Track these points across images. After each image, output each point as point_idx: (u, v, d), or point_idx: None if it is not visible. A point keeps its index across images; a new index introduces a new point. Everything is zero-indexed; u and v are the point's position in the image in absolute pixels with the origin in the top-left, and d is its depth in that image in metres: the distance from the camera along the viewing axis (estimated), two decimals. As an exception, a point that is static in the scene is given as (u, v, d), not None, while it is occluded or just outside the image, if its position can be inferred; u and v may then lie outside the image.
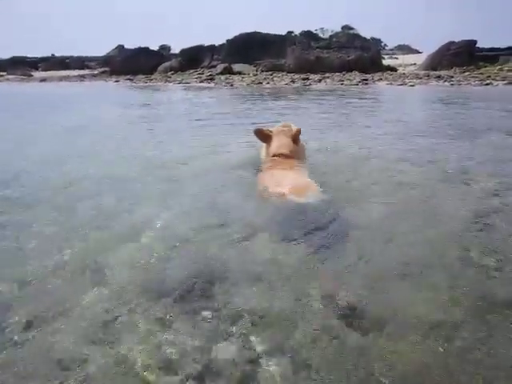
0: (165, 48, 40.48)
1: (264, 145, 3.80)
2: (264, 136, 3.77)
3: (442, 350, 1.56)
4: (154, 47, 36.81)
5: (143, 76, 28.69)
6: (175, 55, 34.22)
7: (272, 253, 2.27)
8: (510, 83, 17.69)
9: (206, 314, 1.78)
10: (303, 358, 1.53)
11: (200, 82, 23.67)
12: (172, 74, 29.08)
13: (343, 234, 2.48)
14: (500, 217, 2.72)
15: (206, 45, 32.52)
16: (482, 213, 2.77)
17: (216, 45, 32.03)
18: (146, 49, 33.86)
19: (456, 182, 3.51)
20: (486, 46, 29.09)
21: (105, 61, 39.24)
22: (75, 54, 53.00)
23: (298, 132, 3.70)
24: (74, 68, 43.11)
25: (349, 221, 2.66)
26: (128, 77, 28.71)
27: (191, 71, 28.88)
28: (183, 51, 32.79)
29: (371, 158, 4.38)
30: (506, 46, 27.90)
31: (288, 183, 2.91)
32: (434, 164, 4.10)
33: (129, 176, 3.78)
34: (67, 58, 50.14)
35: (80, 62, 46.97)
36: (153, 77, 28.46)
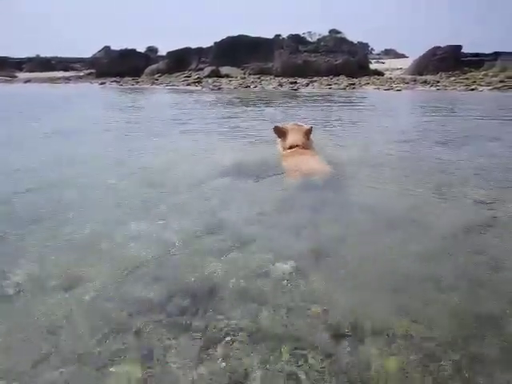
0: (152, 50, 40.20)
1: (279, 140, 4.46)
2: (280, 132, 4.44)
3: (432, 368, 1.52)
4: (141, 49, 36.62)
5: (130, 78, 28.44)
6: (162, 57, 34.02)
7: (261, 265, 2.21)
8: (494, 89, 18.04)
9: (191, 334, 1.71)
10: (292, 375, 1.48)
11: (187, 84, 23.57)
12: (159, 76, 28.90)
13: (334, 245, 2.44)
14: (490, 228, 2.72)
15: (193, 47, 32.44)
16: (472, 224, 2.76)
17: (203, 47, 31.96)
18: (133, 50, 33.62)
19: (444, 191, 3.50)
20: (470, 51, 29.57)
21: (91, 62, 38.82)
22: (60, 54, 52.27)
23: (310, 129, 4.40)
24: (59, 69, 42.50)
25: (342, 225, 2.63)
26: (114, 79, 28.43)
27: (178, 74, 28.74)
28: (170, 53, 32.64)
29: (359, 164, 4.36)
30: (491, 52, 28.42)
31: (309, 165, 3.76)
32: (422, 173, 4.11)
33: (110, 183, 3.68)
34: (52, 58, 49.42)
35: (65, 64, 46.33)
36: (140, 79, 28.24)
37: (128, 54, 32.83)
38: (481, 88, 18.48)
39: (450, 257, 2.32)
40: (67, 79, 31.66)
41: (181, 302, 1.90)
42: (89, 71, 35.62)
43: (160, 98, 15.75)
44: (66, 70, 42.72)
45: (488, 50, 28.90)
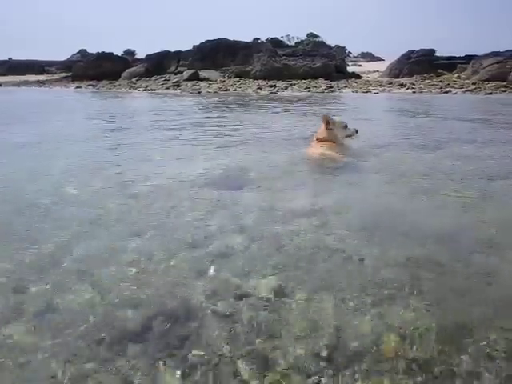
0: (130, 53, 39.67)
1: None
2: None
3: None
4: (119, 52, 36.04)
5: (107, 82, 27.90)
6: (140, 60, 33.54)
7: (242, 283, 2.15)
8: (467, 91, 18.55)
9: (168, 362, 1.63)
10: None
11: (166, 88, 23.28)
12: (137, 80, 28.44)
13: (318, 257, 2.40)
14: (469, 232, 2.74)
15: (172, 50, 32.12)
16: (450, 229, 2.77)
17: (182, 50, 31.69)
18: (110, 54, 33.00)
19: (423, 195, 3.53)
20: (444, 55, 30.36)
21: (66, 65, 37.92)
22: (34, 57, 50.84)
23: (326, 123, 5.03)
24: (33, 73, 41.31)
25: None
26: (91, 82, 27.84)
27: (157, 77, 28.36)
28: (149, 57, 32.20)
29: (341, 170, 4.36)
30: (463, 55, 29.25)
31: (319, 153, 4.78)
32: (401, 177, 4.14)
33: (83, 196, 3.55)
34: (25, 61, 48.02)
35: (39, 67, 45.08)
36: (117, 83, 27.72)
37: (105, 57, 32.18)
38: (454, 90, 18.97)
39: (431, 264, 2.32)
40: (41, 83, 30.82)
41: (158, 326, 1.82)
42: (64, 74, 34.77)
43: (138, 103, 15.51)
44: (40, 73, 41.55)
45: (460, 54, 29.75)
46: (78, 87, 26.25)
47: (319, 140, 5.02)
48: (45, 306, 1.95)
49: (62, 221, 2.99)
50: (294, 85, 23.06)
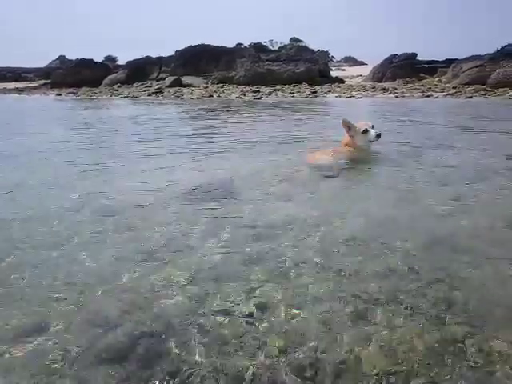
0: (110, 59, 39.31)
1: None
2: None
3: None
4: (99, 59, 35.67)
5: (88, 89, 27.56)
6: (122, 67, 33.28)
7: (223, 301, 2.14)
8: (448, 95, 18.96)
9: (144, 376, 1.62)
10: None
11: (148, 95, 23.12)
12: (119, 86, 28.19)
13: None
14: (451, 240, 2.79)
15: (153, 56, 31.98)
16: (432, 237, 2.82)
17: (164, 56, 31.58)
18: (90, 60, 32.65)
19: (406, 203, 3.59)
20: (425, 59, 31.03)
21: (45, 72, 37.33)
22: (13, 65, 49.85)
23: (347, 128, 5.26)
24: (11, 80, 40.54)
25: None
26: (71, 90, 27.45)
27: (139, 84, 28.18)
28: (130, 63, 31.98)
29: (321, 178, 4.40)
30: (443, 59, 29.95)
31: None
32: (384, 184, 4.20)
33: (56, 212, 3.49)
34: (2, 69, 47.11)
35: (17, 74, 44.28)
36: (98, 90, 27.42)
37: (85, 64, 31.81)
38: (436, 94, 19.37)
39: (411, 275, 2.36)
40: (20, 90, 30.26)
41: (135, 342, 1.81)
42: (43, 82, 34.23)
43: (120, 111, 15.36)
44: (17, 80, 40.79)
45: (440, 58, 30.47)
46: (58, 94, 25.86)
47: (344, 145, 5.24)
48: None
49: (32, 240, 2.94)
50: (278, 90, 23.20)
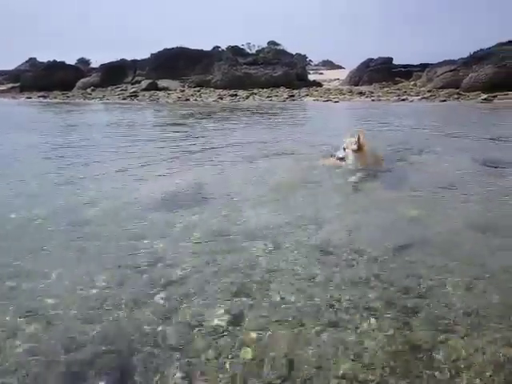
0: (83, 62, 38.60)
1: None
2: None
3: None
4: (71, 61, 34.95)
5: (59, 92, 26.95)
6: (95, 70, 32.73)
7: (195, 315, 2.10)
8: (423, 98, 19.46)
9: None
10: None
11: (123, 98, 22.82)
12: (92, 90, 27.69)
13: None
14: (421, 246, 2.83)
15: (128, 59, 31.60)
16: (403, 244, 2.85)
17: (139, 59, 31.24)
18: (62, 63, 31.99)
19: (378, 209, 3.63)
20: (401, 63, 31.82)
21: (14, 75, 36.31)
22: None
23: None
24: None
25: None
26: (42, 93, 26.77)
27: (113, 87, 27.76)
28: (104, 66, 31.50)
29: (297, 185, 4.41)
30: (418, 63, 30.78)
31: None
32: (358, 190, 4.24)
33: (29, 221, 3.37)
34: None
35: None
36: (70, 93, 26.86)
37: (56, 67, 31.14)
38: (411, 98, 19.84)
39: (380, 283, 2.37)
40: (-13, 94, 29.32)
41: (106, 354, 1.75)
42: (11, 85, 33.27)
43: (92, 116, 15.06)
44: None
45: (415, 62, 31.31)
46: (28, 98, 25.20)
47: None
48: None
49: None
50: (256, 94, 23.28)
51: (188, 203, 3.83)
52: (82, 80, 29.97)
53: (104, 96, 24.50)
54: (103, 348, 1.85)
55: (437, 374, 1.71)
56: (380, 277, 2.44)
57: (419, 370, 1.73)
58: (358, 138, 4.79)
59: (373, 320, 2.04)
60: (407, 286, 2.34)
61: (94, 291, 2.32)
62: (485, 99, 17.24)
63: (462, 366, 1.74)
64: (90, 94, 26.00)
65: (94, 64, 37.10)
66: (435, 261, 2.62)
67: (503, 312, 2.07)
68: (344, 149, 4.92)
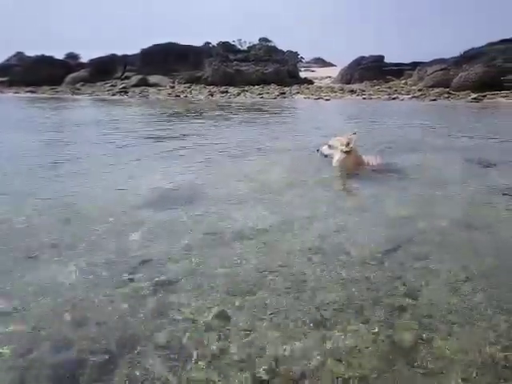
0: (73, 57, 38.02)
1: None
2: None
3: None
4: (60, 56, 34.43)
5: (48, 88, 26.61)
6: (84, 65, 32.34)
7: (184, 312, 2.09)
8: (413, 97, 19.62)
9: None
10: None
11: (113, 94, 22.61)
12: (81, 85, 27.40)
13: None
14: (407, 246, 2.84)
15: (118, 54, 31.30)
16: (389, 244, 2.87)
17: (129, 54, 30.96)
18: (51, 57, 31.56)
19: (365, 209, 3.64)
20: (392, 61, 32.01)
21: (2, 70, 35.70)
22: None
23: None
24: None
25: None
26: (30, 88, 26.39)
27: (103, 83, 27.49)
28: (93, 61, 31.17)
29: (284, 185, 4.41)
30: (409, 62, 31.00)
31: None
32: (346, 190, 4.25)
33: (17, 217, 3.32)
34: None
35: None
36: (59, 89, 26.53)
37: (45, 61, 30.72)
38: (402, 97, 19.99)
39: (367, 284, 2.38)
40: (-27, 89, 28.78)
41: (96, 362, 1.73)
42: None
43: (82, 112, 14.89)
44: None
45: (407, 61, 31.52)
46: (15, 93, 24.83)
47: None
48: None
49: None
50: (247, 91, 23.25)
51: (178, 202, 3.80)
52: (71, 75, 29.64)
53: (93, 92, 24.25)
54: (92, 347, 1.84)
55: (420, 372, 1.72)
56: (368, 277, 2.45)
57: (403, 369, 1.74)
58: (350, 140, 4.77)
59: (359, 320, 2.05)
60: (394, 286, 2.35)
61: (80, 291, 2.30)
62: (474, 99, 17.44)
63: (446, 365, 1.75)
64: (79, 90, 25.73)
65: (84, 59, 36.58)
66: (421, 261, 2.64)
67: (486, 311, 2.10)
68: (330, 146, 4.90)
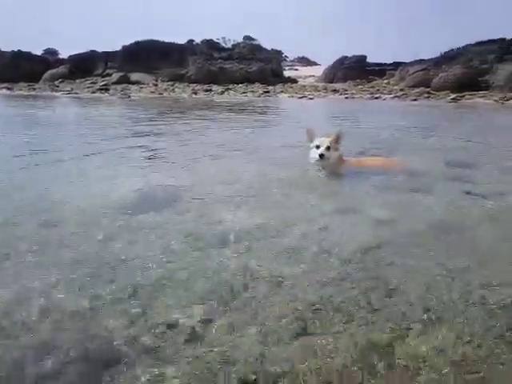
0: (51, 52, 37.31)
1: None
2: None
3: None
4: (38, 52, 33.75)
5: (25, 84, 26.02)
6: (64, 61, 31.76)
7: (164, 317, 2.11)
8: (395, 97, 19.98)
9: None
10: None
11: (93, 92, 22.27)
12: (60, 82, 26.91)
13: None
14: (387, 247, 2.93)
15: (99, 51, 30.86)
16: (369, 244, 2.94)
17: (110, 51, 30.54)
18: (28, 53, 30.88)
19: (346, 210, 3.71)
20: (374, 61, 32.54)
21: (-24, 65, 34.74)
22: None
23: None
24: None
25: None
26: (6, 85, 25.75)
27: (83, 80, 27.05)
28: (73, 57, 30.65)
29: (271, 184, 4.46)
30: (391, 62, 31.59)
31: None
32: (326, 191, 4.32)
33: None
34: None
35: None
36: (37, 85, 25.99)
37: (22, 57, 30.04)
38: (384, 96, 20.32)
39: (348, 284, 2.45)
40: None
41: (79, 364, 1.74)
42: (-26, 75, 31.83)
43: (60, 111, 14.62)
44: None
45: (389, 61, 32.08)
46: (-10, 90, 24.21)
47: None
48: None
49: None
50: (231, 89, 23.25)
51: (157, 204, 3.80)
52: (50, 71, 29.08)
53: (72, 89, 23.83)
54: (71, 356, 1.84)
55: (395, 371, 1.79)
56: (347, 278, 2.52)
57: (379, 367, 1.81)
58: (336, 139, 4.82)
59: (339, 320, 2.12)
60: (373, 286, 2.43)
61: (57, 298, 2.29)
62: (453, 99, 17.89)
63: (420, 363, 1.83)
64: (58, 87, 25.25)
65: (63, 55, 35.90)
66: (399, 261, 2.73)
67: (460, 310, 2.19)
68: (318, 146, 4.94)
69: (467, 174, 5.06)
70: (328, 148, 4.76)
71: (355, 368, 1.80)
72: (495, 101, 16.80)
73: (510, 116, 13.14)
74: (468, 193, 4.24)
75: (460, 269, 2.62)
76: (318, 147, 4.78)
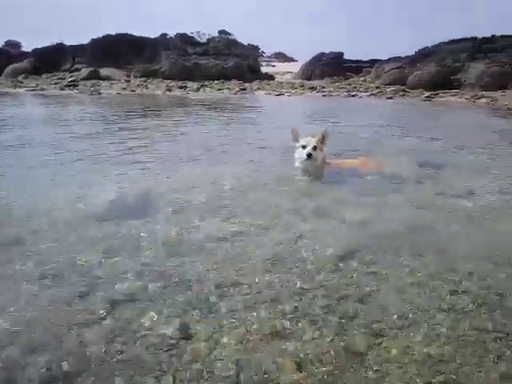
0: (13, 45, 36.05)
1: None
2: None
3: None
4: (-1, 44, 32.57)
5: (-15, 79, 25.11)
6: (27, 54, 30.74)
7: (143, 328, 2.18)
8: (372, 95, 20.43)
9: None
10: None
11: (61, 88, 21.70)
12: (24, 77, 26.05)
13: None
14: (360, 252, 3.08)
15: (66, 44, 30.05)
16: (343, 250, 3.09)
17: (79, 44, 29.80)
18: (-13, 46, 29.76)
19: (320, 215, 3.85)
20: (351, 58, 33.11)
21: None
22: None
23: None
24: None
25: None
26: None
27: (49, 75, 26.31)
28: (38, 50, 29.71)
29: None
30: (368, 59, 32.21)
31: None
32: (301, 195, 4.45)
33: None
34: None
35: None
36: (-2, 81, 25.11)
37: (-19, 50, 28.93)
38: (360, 94, 20.74)
39: (322, 291, 2.58)
40: None
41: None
42: None
43: (24, 109, 14.21)
44: None
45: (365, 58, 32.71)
46: None
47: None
48: None
49: None
50: (207, 86, 23.17)
51: (133, 211, 3.82)
52: (12, 66, 28.08)
53: (38, 85, 23.13)
54: (49, 370, 1.89)
55: (369, 374, 1.93)
56: (323, 284, 2.65)
57: (354, 372, 1.94)
58: (321, 139, 4.84)
59: (314, 327, 2.24)
60: (347, 293, 2.56)
61: (29, 313, 2.31)
62: (427, 97, 18.49)
63: (392, 365, 1.98)
64: (22, 82, 24.45)
65: (26, 48, 34.73)
66: (373, 267, 2.88)
67: (429, 314, 2.36)
68: (304, 146, 4.78)
69: (440, 174, 5.31)
70: (315, 148, 4.76)
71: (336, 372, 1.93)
72: (467, 99, 17.47)
73: (481, 115, 13.70)
74: (440, 194, 4.47)
75: (429, 275, 2.80)
76: (304, 147, 4.76)
